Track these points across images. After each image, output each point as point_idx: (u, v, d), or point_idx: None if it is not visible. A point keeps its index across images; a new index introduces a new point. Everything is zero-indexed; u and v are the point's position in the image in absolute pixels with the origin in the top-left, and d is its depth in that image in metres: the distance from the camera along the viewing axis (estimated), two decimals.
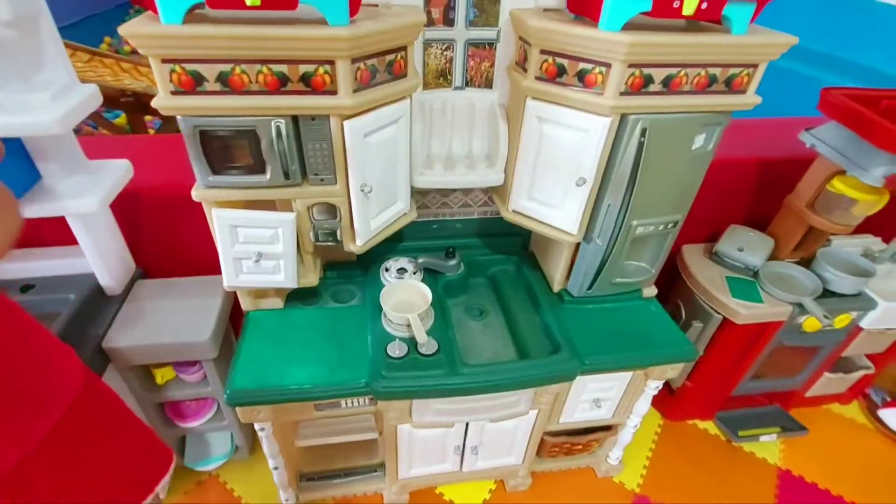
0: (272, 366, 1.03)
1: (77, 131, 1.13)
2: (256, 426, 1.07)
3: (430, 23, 0.98)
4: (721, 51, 0.83)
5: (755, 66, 0.87)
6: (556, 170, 1.00)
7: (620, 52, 0.80)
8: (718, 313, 1.36)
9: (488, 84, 1.07)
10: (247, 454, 1.46)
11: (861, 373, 1.61)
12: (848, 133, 1.16)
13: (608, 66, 0.84)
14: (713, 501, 1.45)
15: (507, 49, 1.02)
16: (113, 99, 2.38)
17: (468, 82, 1.07)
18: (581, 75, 0.88)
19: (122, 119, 2.97)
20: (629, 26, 0.81)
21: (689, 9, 0.78)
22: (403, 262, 1.27)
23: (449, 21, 0.99)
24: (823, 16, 2.57)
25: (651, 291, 1.26)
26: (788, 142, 1.42)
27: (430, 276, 1.27)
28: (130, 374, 1.15)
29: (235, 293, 1.15)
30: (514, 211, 1.14)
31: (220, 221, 0.91)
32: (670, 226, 1.09)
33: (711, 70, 0.87)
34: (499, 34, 1.01)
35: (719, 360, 1.47)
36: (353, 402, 1.10)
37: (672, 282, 1.54)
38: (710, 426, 1.68)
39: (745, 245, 1.42)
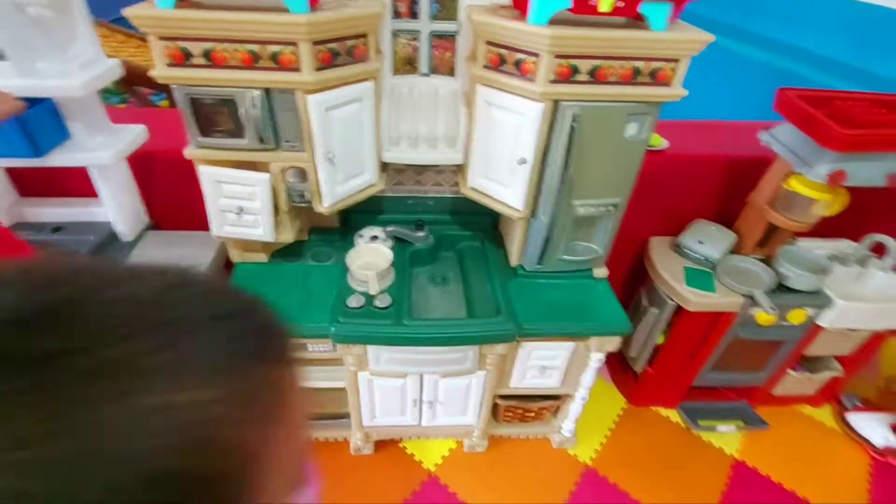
0: None
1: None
2: None
3: (398, 15, 1.12)
4: (640, 46, 0.92)
5: (677, 60, 0.96)
6: (502, 150, 1.12)
7: (545, 44, 0.91)
8: (672, 300, 1.43)
9: (451, 72, 1.20)
10: None
11: (828, 374, 1.63)
12: (799, 132, 1.21)
13: (538, 55, 0.95)
14: (662, 482, 1.52)
15: (466, 41, 1.14)
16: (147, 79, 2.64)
17: (433, 70, 1.20)
18: (518, 64, 0.99)
19: (165, 102, 3.26)
20: (567, 22, 0.91)
21: (604, 6, 0.88)
22: (377, 230, 1.41)
23: (414, 14, 1.12)
24: (856, 28, 2.52)
25: (602, 273, 1.34)
26: (758, 142, 1.46)
27: (401, 245, 1.40)
28: None
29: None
30: (472, 188, 1.26)
31: (207, 177, 1.09)
32: (611, 208, 1.18)
33: (635, 63, 0.96)
34: (459, 27, 1.13)
35: (677, 348, 1.53)
36: (316, 347, 1.26)
37: (639, 272, 1.61)
38: (672, 414, 1.73)
39: (706, 238, 1.47)
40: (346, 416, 1.54)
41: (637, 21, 0.94)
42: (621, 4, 0.88)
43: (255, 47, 0.92)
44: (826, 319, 1.41)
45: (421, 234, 1.41)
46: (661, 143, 1.49)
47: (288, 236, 1.26)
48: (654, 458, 1.59)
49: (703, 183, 1.56)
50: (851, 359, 1.59)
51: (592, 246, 1.29)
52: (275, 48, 0.93)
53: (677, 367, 1.60)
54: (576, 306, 1.26)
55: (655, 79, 0.98)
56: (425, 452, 1.57)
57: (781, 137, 1.27)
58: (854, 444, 1.65)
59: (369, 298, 1.21)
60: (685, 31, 0.94)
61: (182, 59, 0.93)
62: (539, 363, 1.33)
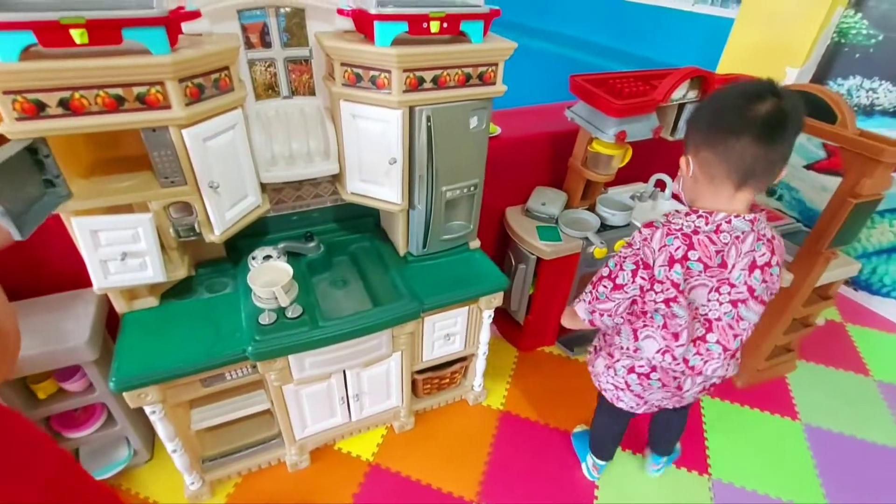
0: (153, 351, 1.17)
1: None
2: (147, 410, 1.20)
3: (251, 46, 1.21)
4: (466, 56, 1.17)
5: (495, 64, 1.23)
6: (374, 154, 1.28)
7: (394, 62, 1.10)
8: (532, 254, 1.75)
9: (312, 92, 1.32)
10: (147, 457, 1.54)
11: None
12: (589, 107, 1.59)
13: (389, 71, 1.13)
14: (559, 404, 1.85)
15: (320, 63, 1.27)
16: None
17: (294, 92, 1.31)
18: (373, 80, 1.16)
19: None
20: (407, 42, 1.10)
21: (434, 28, 1.10)
22: (268, 250, 1.46)
23: (266, 44, 1.22)
24: (611, 18, 3.20)
25: (475, 244, 1.59)
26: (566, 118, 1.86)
27: (294, 258, 1.48)
28: (10, 392, 1.21)
29: (111, 301, 1.26)
30: (352, 193, 1.40)
31: (81, 229, 1.05)
32: (472, 188, 1.42)
33: (466, 69, 1.20)
34: (311, 52, 1.26)
35: (545, 293, 1.87)
36: (236, 373, 1.28)
37: (504, 238, 1.92)
38: (554, 349, 2.09)
39: (546, 200, 1.83)
40: (275, 436, 1.56)
41: (461, 37, 1.18)
42: (446, 25, 1.11)
43: (118, 91, 0.94)
44: None
45: (312, 244, 1.50)
46: (495, 130, 1.80)
47: (181, 272, 1.26)
48: (548, 388, 1.91)
49: (535, 157, 1.92)
50: None
51: (464, 223, 1.52)
52: (140, 89, 0.95)
53: (549, 310, 1.94)
54: (462, 276, 1.49)
55: (483, 80, 1.24)
56: (361, 446, 1.66)
57: (580, 112, 1.66)
58: None
59: (280, 312, 1.27)
60: (496, 41, 1.21)
61: (34, 111, 0.90)
62: (443, 332, 1.53)
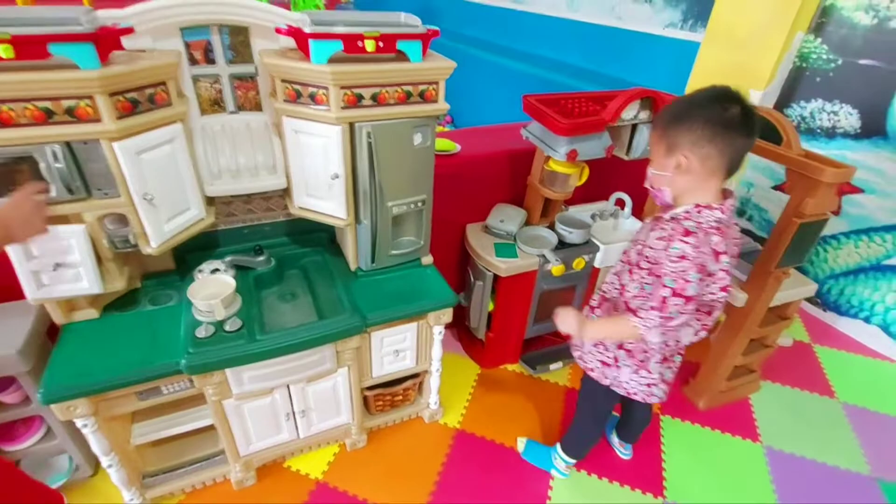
0: (87, 363, 1.17)
1: None
2: (78, 423, 1.19)
3: (195, 62, 1.23)
4: (403, 75, 1.19)
5: (436, 82, 1.25)
6: (317, 169, 1.30)
7: (329, 79, 1.12)
8: (489, 271, 1.75)
9: (258, 108, 1.34)
10: (89, 472, 1.52)
11: None
12: (542, 126, 1.61)
13: (327, 88, 1.15)
14: (518, 422, 1.82)
15: (266, 80, 1.30)
16: None
17: (240, 107, 1.33)
18: (312, 96, 1.18)
19: None
20: (347, 59, 1.13)
21: (370, 47, 1.12)
22: (216, 263, 1.46)
23: (210, 60, 1.24)
24: (586, 41, 3.27)
25: (428, 260, 1.59)
26: None
27: (244, 272, 1.48)
28: None
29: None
30: (299, 207, 1.41)
31: None
32: (420, 204, 1.43)
33: (406, 87, 1.22)
34: (256, 69, 1.28)
35: (504, 310, 1.86)
36: (173, 386, 1.27)
37: (465, 254, 1.92)
38: (517, 367, 2.07)
39: (505, 217, 1.84)
40: (220, 453, 1.54)
41: (401, 56, 1.20)
42: (382, 45, 1.13)
43: (47, 104, 0.96)
44: (598, 261, 1.87)
45: (261, 258, 1.51)
46: (454, 147, 1.82)
47: (118, 284, 1.26)
48: (508, 406, 1.89)
49: (496, 174, 1.93)
50: None
51: (413, 239, 1.53)
52: (70, 103, 0.97)
53: (510, 327, 1.93)
54: (410, 291, 1.48)
55: (425, 98, 1.26)
56: (311, 464, 1.64)
57: (534, 132, 1.68)
58: None
59: (219, 325, 1.27)
60: (435, 60, 1.23)
61: None
62: (392, 348, 1.53)
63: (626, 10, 2.94)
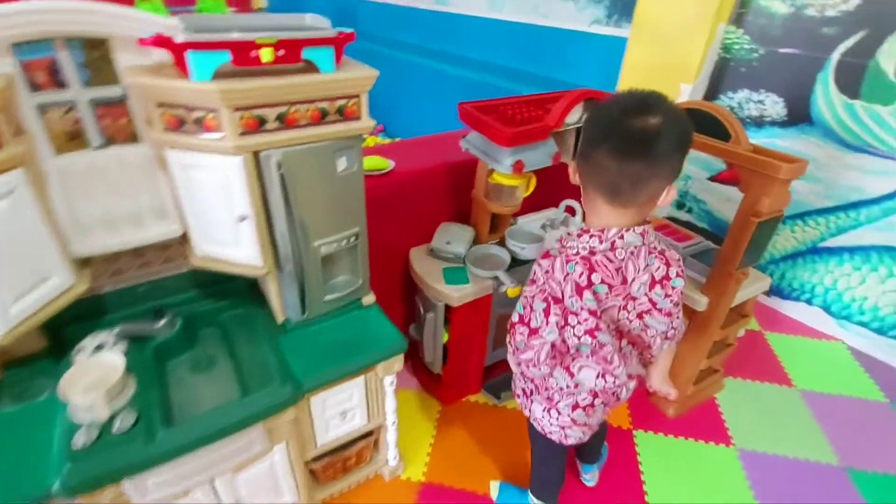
0: None
1: None
2: None
3: (38, 87, 0.94)
4: (313, 89, 0.97)
5: (356, 96, 1.04)
6: (219, 210, 1.04)
7: (217, 100, 0.88)
8: (439, 301, 1.56)
9: (134, 139, 1.06)
10: None
11: None
12: (482, 136, 1.45)
13: (216, 110, 0.91)
14: (488, 460, 1.65)
15: (140, 103, 1.02)
16: None
17: (110, 139, 1.04)
18: (199, 122, 0.93)
19: None
20: (241, 74, 0.89)
21: (266, 57, 0.89)
22: (102, 336, 1.16)
23: (59, 84, 0.95)
24: (515, 40, 3.17)
25: (369, 299, 1.38)
26: None
27: (140, 343, 1.19)
28: None
29: None
30: (201, 257, 1.14)
31: None
32: (353, 239, 1.21)
33: (319, 104, 1.00)
34: (125, 91, 1.01)
35: (460, 341, 1.68)
36: None
37: (410, 283, 1.72)
38: (480, 398, 1.90)
39: (452, 238, 1.66)
40: None
41: (309, 67, 0.98)
42: (282, 53, 0.91)
43: None
44: None
45: (162, 322, 1.22)
46: (387, 164, 1.61)
47: None
48: (475, 444, 1.71)
49: (437, 190, 1.75)
50: None
51: (349, 278, 1.31)
52: None
53: (468, 358, 1.76)
54: (353, 341, 1.26)
55: (345, 115, 1.04)
56: None
57: (474, 142, 1.51)
58: None
59: (105, 427, 0.98)
60: (353, 69, 1.02)
61: None
62: (337, 410, 1.29)
63: (550, 8, 2.88)
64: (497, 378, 1.92)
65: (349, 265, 1.29)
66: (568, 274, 0.89)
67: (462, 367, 1.77)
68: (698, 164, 2.51)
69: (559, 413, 1.12)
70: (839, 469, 1.67)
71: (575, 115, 1.49)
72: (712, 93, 2.34)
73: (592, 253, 0.89)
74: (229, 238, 1.08)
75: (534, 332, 0.95)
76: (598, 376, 0.99)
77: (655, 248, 0.94)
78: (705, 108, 1.46)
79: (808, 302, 2.31)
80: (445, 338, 1.68)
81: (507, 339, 1.02)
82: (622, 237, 0.89)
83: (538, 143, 1.46)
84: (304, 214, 1.08)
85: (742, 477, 1.64)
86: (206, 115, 0.92)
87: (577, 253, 0.90)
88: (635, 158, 0.82)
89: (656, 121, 0.80)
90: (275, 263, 1.15)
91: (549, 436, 1.18)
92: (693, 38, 2.18)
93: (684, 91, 2.28)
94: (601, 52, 2.67)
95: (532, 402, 1.17)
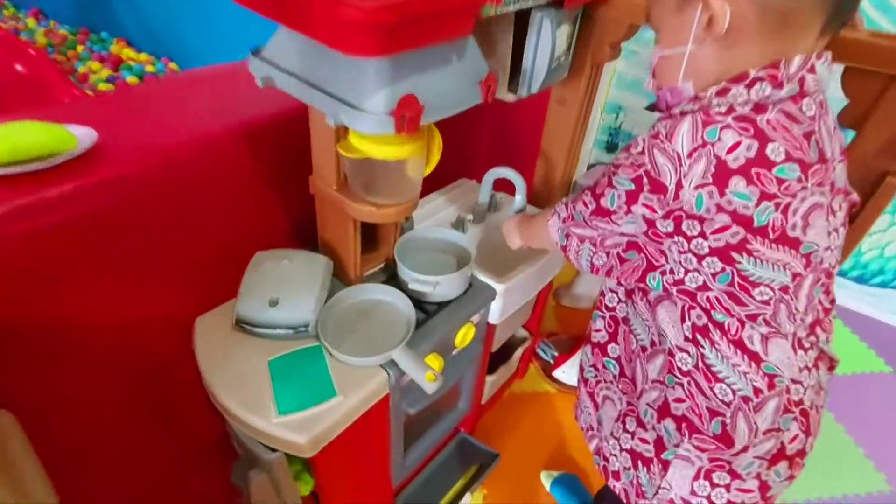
0: None
1: None
2: None
3: None
4: None
5: None
6: None
7: None
8: (272, 452, 0.67)
9: None
10: None
11: (520, 349, 1.28)
12: (301, 39, 0.54)
13: None
14: None
15: None
16: None
17: None
18: None
19: None
20: None
21: None
22: None
23: None
24: None
25: None
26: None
27: None
28: None
29: None
30: None
31: None
32: None
33: None
34: None
35: (337, 483, 0.83)
36: None
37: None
38: None
39: (281, 289, 0.74)
40: None
41: None
42: None
43: None
44: (495, 314, 0.94)
45: None
46: (69, 143, 0.60)
47: None
48: None
49: (227, 185, 0.80)
50: (533, 320, 1.27)
51: None
52: None
53: (360, 491, 0.92)
54: None
55: None
56: None
57: (285, 59, 0.59)
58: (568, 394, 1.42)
59: None
60: None
61: None
62: None
63: None
64: (416, 480, 1.13)
65: None
66: (705, 144, 0.45)
67: None
68: (631, 89, 1.86)
69: (742, 478, 0.56)
70: None
71: None
72: None
73: (761, 108, 0.45)
74: None
75: (602, 211, 0.55)
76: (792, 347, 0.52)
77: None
78: None
79: None
80: (305, 490, 0.81)
81: (565, 200, 0.65)
82: (813, 69, 0.46)
83: (445, 52, 0.59)
84: None
85: None
86: None
87: (731, 110, 0.45)
88: None
89: None
90: None
91: None
92: None
93: None
94: None
95: (660, 463, 0.60)
